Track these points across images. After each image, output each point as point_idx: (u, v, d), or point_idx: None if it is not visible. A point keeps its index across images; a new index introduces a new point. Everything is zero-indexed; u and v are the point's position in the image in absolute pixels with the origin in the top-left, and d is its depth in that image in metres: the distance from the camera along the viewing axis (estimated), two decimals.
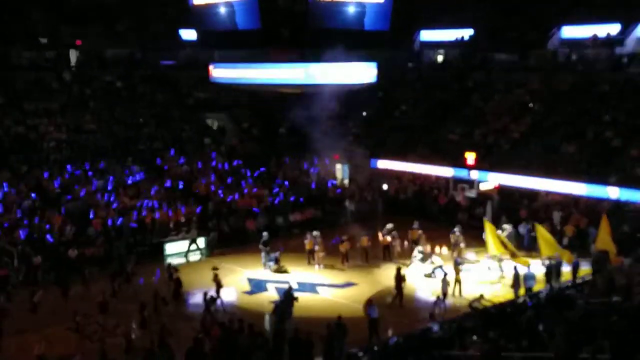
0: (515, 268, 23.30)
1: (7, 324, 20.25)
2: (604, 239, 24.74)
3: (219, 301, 21.84)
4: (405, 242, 29.00)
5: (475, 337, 15.78)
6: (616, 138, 33.21)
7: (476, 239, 28.16)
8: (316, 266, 27.16)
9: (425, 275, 25.46)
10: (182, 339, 18.22)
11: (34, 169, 32.00)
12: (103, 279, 24.25)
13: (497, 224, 28.66)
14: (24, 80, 38.51)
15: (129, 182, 33.00)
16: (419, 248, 27.09)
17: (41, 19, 44.52)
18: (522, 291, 22.56)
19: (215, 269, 23.60)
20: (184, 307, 22.72)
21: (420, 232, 28.42)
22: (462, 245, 27.79)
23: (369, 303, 20.18)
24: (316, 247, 27.34)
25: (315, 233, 27.76)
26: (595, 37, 40.24)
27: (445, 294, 22.36)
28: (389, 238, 28.11)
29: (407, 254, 27.65)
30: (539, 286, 22.90)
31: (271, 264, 26.84)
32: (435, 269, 25.36)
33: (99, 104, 39.25)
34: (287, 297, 20.88)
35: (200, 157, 37.48)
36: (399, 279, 22.98)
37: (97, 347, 17.57)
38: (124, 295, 23.29)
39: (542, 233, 25.48)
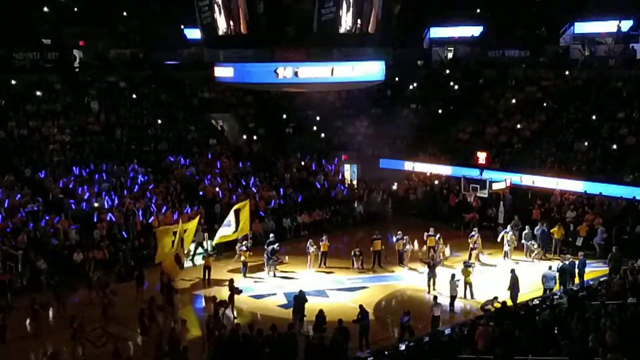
0: (512, 271, 22.47)
1: (9, 326, 20.01)
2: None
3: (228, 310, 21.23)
4: (423, 247, 28.12)
5: None
6: (630, 135, 32.54)
7: (489, 240, 27.88)
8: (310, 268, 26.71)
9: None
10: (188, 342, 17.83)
11: (38, 172, 31.50)
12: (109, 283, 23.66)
13: (510, 225, 28.21)
14: (27, 82, 37.96)
15: (134, 184, 32.43)
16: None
17: (43, 20, 44.09)
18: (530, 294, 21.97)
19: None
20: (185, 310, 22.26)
21: (436, 237, 27.31)
22: (479, 248, 27.11)
23: (407, 313, 19.48)
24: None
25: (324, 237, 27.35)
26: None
27: (454, 296, 21.70)
28: (401, 244, 27.12)
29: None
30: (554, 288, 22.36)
31: (269, 250, 26.05)
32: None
33: (103, 105, 38.69)
34: (299, 300, 20.51)
35: (206, 159, 36.92)
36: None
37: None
38: (130, 299, 22.72)
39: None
